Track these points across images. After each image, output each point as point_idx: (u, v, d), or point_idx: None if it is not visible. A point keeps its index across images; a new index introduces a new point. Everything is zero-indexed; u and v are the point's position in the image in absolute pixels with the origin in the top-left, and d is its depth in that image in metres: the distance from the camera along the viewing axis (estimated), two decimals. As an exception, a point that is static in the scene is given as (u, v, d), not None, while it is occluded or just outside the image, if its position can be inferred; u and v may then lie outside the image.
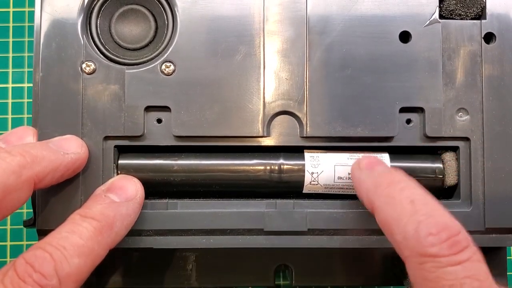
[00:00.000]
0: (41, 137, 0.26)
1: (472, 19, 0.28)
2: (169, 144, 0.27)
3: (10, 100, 0.40)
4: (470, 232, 0.27)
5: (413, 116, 0.28)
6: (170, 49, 0.27)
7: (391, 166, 0.27)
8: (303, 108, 0.27)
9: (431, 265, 0.19)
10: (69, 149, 0.25)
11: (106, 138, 0.27)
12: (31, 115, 0.27)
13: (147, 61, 0.27)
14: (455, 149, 0.28)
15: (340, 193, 0.28)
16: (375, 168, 0.25)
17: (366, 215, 0.27)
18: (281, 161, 0.27)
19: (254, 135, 0.27)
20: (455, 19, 0.28)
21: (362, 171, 0.25)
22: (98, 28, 0.28)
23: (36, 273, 0.20)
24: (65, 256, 0.21)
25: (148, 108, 0.27)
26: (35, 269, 0.20)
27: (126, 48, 0.28)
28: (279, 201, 0.27)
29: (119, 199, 0.24)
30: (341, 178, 0.27)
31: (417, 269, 0.20)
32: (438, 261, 0.19)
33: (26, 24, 0.41)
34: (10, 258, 0.39)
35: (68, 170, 0.25)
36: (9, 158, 0.22)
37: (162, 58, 0.27)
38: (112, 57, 0.27)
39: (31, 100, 0.27)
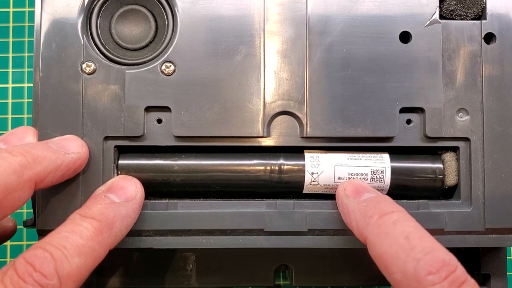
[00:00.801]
0: (41, 137, 0.26)
1: (472, 19, 0.28)
2: (169, 144, 0.27)
3: (10, 100, 0.40)
4: (470, 232, 0.27)
5: (413, 116, 0.28)
6: (170, 49, 0.27)
7: (391, 165, 0.27)
8: (303, 108, 0.27)
9: None
10: (70, 149, 0.25)
11: (106, 138, 0.27)
12: (31, 115, 0.27)
13: (147, 61, 0.27)
14: (455, 149, 0.28)
15: (340, 193, 0.28)
16: (362, 196, 0.25)
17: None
18: (281, 161, 0.27)
19: (254, 135, 0.27)
20: (455, 19, 0.28)
21: (348, 198, 0.25)
22: (98, 28, 0.28)
23: (36, 273, 0.20)
24: (65, 255, 0.21)
25: (148, 108, 0.27)
26: (36, 269, 0.20)
27: (126, 48, 0.28)
28: (279, 201, 0.27)
29: (119, 199, 0.24)
30: (341, 178, 0.27)
31: None
32: None
33: (26, 24, 0.41)
34: (10, 258, 0.39)
35: (69, 170, 0.25)
36: (10, 157, 0.22)
37: (162, 58, 0.27)
38: (112, 57, 0.27)
39: (31, 100, 0.27)
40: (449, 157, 0.28)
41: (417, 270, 0.20)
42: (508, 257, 0.38)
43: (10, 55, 0.41)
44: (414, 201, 0.27)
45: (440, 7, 0.28)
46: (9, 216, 0.25)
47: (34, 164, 0.22)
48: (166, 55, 0.27)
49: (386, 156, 0.28)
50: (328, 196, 0.28)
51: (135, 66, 0.27)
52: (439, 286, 0.19)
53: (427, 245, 0.21)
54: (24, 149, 0.23)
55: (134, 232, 0.26)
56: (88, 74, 0.27)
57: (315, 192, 0.28)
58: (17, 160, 0.22)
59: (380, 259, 0.22)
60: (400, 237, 0.21)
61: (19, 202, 0.22)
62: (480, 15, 0.28)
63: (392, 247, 0.21)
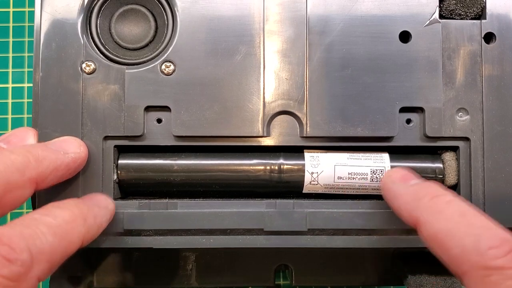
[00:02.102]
0: (41, 137, 0.26)
1: (472, 19, 0.28)
2: (169, 144, 0.27)
3: (10, 100, 0.40)
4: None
5: (413, 116, 0.28)
6: (170, 49, 0.27)
7: (391, 166, 0.27)
8: (303, 108, 0.27)
9: (497, 278, 0.19)
10: (69, 149, 0.25)
11: (106, 138, 0.27)
12: (31, 115, 0.27)
13: (147, 61, 0.27)
14: (455, 149, 0.28)
15: (340, 193, 0.28)
16: (409, 182, 0.24)
17: (366, 215, 0.27)
18: (281, 161, 0.27)
19: (254, 135, 0.27)
20: (455, 19, 0.28)
21: (396, 184, 0.25)
22: (98, 28, 0.28)
23: (3, 246, 0.18)
24: (37, 233, 0.19)
25: (148, 108, 0.27)
26: (3, 243, 0.18)
27: (126, 48, 0.28)
28: (279, 201, 0.27)
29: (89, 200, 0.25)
30: (341, 178, 0.27)
31: (481, 282, 0.19)
32: (505, 273, 0.19)
33: (26, 24, 0.41)
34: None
35: (69, 169, 0.25)
36: (12, 156, 0.22)
37: (162, 58, 0.27)
38: (112, 57, 0.27)
39: (31, 100, 0.27)
40: (449, 156, 0.28)
41: (477, 244, 0.20)
42: (508, 257, 0.38)
43: (10, 55, 0.41)
44: (414, 200, 0.27)
45: (440, 6, 0.28)
46: None
47: (36, 164, 0.22)
48: (166, 55, 0.27)
49: (386, 156, 0.28)
50: (328, 195, 0.28)
51: (135, 66, 0.27)
52: (503, 260, 0.19)
53: (484, 223, 0.21)
54: (26, 149, 0.23)
55: (134, 232, 0.26)
56: (88, 74, 0.27)
57: (315, 192, 0.28)
58: (19, 159, 0.22)
59: (435, 237, 0.21)
60: (455, 215, 0.21)
61: (19, 201, 0.22)
62: (480, 15, 0.28)
63: (447, 224, 0.21)
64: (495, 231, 0.20)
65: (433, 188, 0.23)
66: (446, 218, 0.21)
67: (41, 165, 0.23)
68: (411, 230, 0.27)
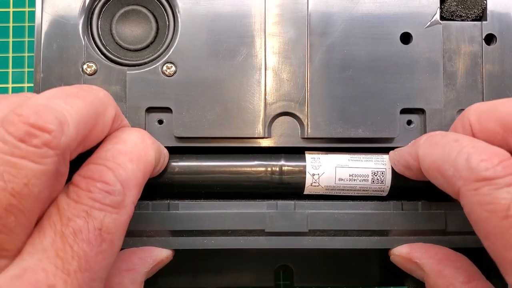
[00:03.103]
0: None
1: (472, 20, 0.28)
2: (170, 145, 0.27)
3: (10, 100, 0.40)
4: (471, 233, 0.27)
5: (413, 117, 0.28)
6: (171, 50, 0.27)
7: (391, 167, 0.27)
8: (304, 109, 0.27)
9: (487, 188, 0.19)
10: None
11: (107, 139, 0.27)
12: (32, 116, 0.27)
13: (148, 62, 0.27)
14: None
15: (341, 194, 0.28)
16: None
17: (367, 216, 0.27)
18: (282, 162, 0.27)
19: (255, 136, 0.27)
20: (456, 20, 0.28)
21: (398, 149, 0.26)
22: (99, 29, 0.28)
23: (99, 182, 0.20)
24: (118, 163, 0.21)
25: (149, 109, 0.27)
26: (96, 179, 0.20)
27: (127, 49, 0.28)
28: (280, 202, 0.27)
29: None
30: (342, 179, 0.27)
31: (472, 196, 0.20)
32: (494, 183, 0.19)
33: (26, 24, 0.41)
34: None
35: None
36: (101, 93, 0.22)
37: (164, 59, 0.27)
38: (113, 58, 0.27)
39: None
40: (449, 158, 0.28)
41: (468, 160, 0.20)
42: (507, 257, 0.38)
43: (10, 55, 0.41)
44: (414, 201, 0.27)
45: (440, 8, 0.28)
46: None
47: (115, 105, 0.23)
48: (167, 56, 0.27)
49: (386, 157, 0.28)
50: (329, 197, 0.28)
51: (136, 67, 0.27)
52: (492, 170, 0.19)
53: (476, 143, 0.21)
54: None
55: (135, 233, 0.26)
56: (89, 75, 0.27)
57: (316, 193, 0.28)
58: (105, 97, 0.22)
59: (431, 166, 0.22)
60: (450, 141, 0.21)
61: (100, 137, 0.22)
62: (481, 16, 0.28)
63: (443, 151, 0.21)
64: (486, 147, 0.20)
65: (430, 132, 0.24)
66: (442, 146, 0.22)
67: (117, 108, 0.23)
68: (413, 231, 0.27)
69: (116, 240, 0.20)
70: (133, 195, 0.21)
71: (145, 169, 0.22)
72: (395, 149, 0.27)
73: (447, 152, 0.21)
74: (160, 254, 0.26)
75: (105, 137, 0.22)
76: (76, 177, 0.20)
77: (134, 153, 0.22)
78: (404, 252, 0.26)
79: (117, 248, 0.20)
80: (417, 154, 0.23)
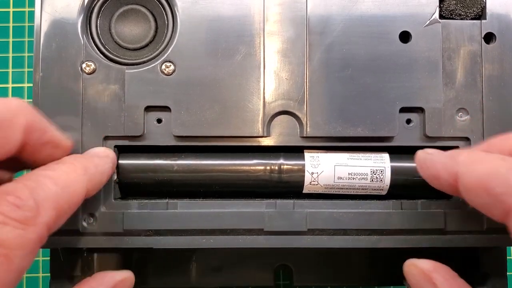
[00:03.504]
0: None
1: (472, 19, 0.28)
2: (169, 144, 0.27)
3: (10, 100, 0.40)
4: (470, 232, 0.27)
5: (413, 116, 0.28)
6: (170, 49, 0.27)
7: (391, 165, 0.27)
8: (303, 108, 0.27)
9: None
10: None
11: (106, 138, 0.27)
12: (31, 115, 0.27)
13: (147, 61, 0.27)
14: (455, 149, 0.28)
15: (340, 193, 0.28)
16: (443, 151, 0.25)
17: (366, 215, 0.27)
18: (281, 161, 0.27)
19: (254, 135, 0.27)
20: (455, 19, 0.28)
21: (431, 153, 0.24)
22: (98, 28, 0.28)
23: (10, 196, 0.19)
24: (39, 183, 0.20)
25: (148, 108, 0.27)
26: (8, 193, 0.19)
27: (126, 48, 0.28)
28: (279, 201, 0.27)
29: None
30: (341, 178, 0.27)
31: None
32: None
33: (26, 24, 0.41)
34: None
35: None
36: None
37: (162, 58, 0.27)
38: (112, 57, 0.27)
39: (31, 100, 0.27)
40: (449, 157, 0.28)
41: None
42: (508, 257, 0.38)
43: (10, 55, 0.41)
44: (414, 200, 0.27)
45: (440, 7, 0.28)
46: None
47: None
48: (166, 55, 0.27)
49: (386, 156, 0.28)
50: (328, 196, 0.28)
51: (135, 66, 0.27)
52: None
53: None
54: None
55: (134, 232, 0.26)
56: (88, 74, 0.27)
57: (315, 192, 0.28)
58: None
59: (477, 182, 0.21)
60: (497, 159, 0.21)
61: (7, 147, 0.21)
62: (480, 15, 0.28)
63: (490, 167, 0.21)
64: None
65: (468, 149, 0.23)
66: (488, 162, 0.21)
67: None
68: (412, 230, 0.27)
69: (15, 258, 0.18)
70: (48, 216, 0.19)
71: (71, 196, 0.21)
72: (425, 150, 0.25)
73: (496, 168, 0.20)
74: (112, 280, 0.25)
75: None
76: None
77: (61, 179, 0.21)
78: (426, 268, 0.24)
79: (16, 267, 0.18)
80: (455, 171, 0.22)
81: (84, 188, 0.22)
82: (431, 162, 0.24)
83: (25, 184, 0.20)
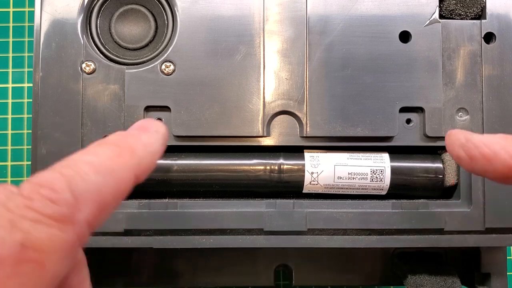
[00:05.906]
0: (41, 137, 0.26)
1: (472, 19, 0.28)
2: (169, 144, 0.27)
3: (10, 100, 0.40)
4: (470, 232, 0.27)
5: (413, 116, 0.28)
6: (170, 49, 0.27)
7: (390, 165, 0.27)
8: (303, 108, 0.27)
9: None
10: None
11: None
12: (31, 115, 0.27)
13: (147, 61, 0.27)
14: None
15: (340, 193, 0.28)
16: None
17: (366, 215, 0.27)
18: (281, 161, 0.27)
19: (254, 135, 0.27)
20: (455, 19, 0.28)
21: (471, 135, 0.22)
22: (98, 28, 0.28)
23: (44, 188, 0.16)
24: (78, 172, 0.17)
25: (148, 108, 0.27)
26: (43, 185, 0.16)
27: (126, 48, 0.28)
28: (279, 201, 0.27)
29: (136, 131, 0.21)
30: (341, 178, 0.27)
31: None
32: None
33: (26, 24, 0.41)
34: None
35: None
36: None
37: (162, 58, 0.27)
38: (112, 57, 0.27)
39: (31, 100, 0.27)
40: (449, 156, 0.28)
41: None
42: (508, 257, 0.38)
43: (10, 55, 0.41)
44: (413, 200, 0.27)
45: (440, 6, 0.28)
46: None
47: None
48: (165, 55, 0.27)
49: (385, 156, 0.28)
50: (328, 195, 0.28)
51: (135, 66, 0.27)
52: None
53: None
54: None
55: (134, 232, 0.26)
56: (88, 74, 0.27)
57: (315, 192, 0.28)
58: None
59: None
60: None
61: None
62: (480, 15, 0.28)
63: None
64: None
65: None
66: None
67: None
68: (411, 230, 0.27)
69: (49, 263, 0.15)
70: (89, 212, 0.17)
71: (117, 186, 0.18)
72: (463, 131, 0.23)
73: None
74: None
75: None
76: (24, 184, 0.17)
77: (103, 167, 0.18)
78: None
79: (51, 275, 0.15)
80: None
81: (132, 174, 0.19)
82: (480, 143, 0.22)
83: (62, 173, 0.17)
